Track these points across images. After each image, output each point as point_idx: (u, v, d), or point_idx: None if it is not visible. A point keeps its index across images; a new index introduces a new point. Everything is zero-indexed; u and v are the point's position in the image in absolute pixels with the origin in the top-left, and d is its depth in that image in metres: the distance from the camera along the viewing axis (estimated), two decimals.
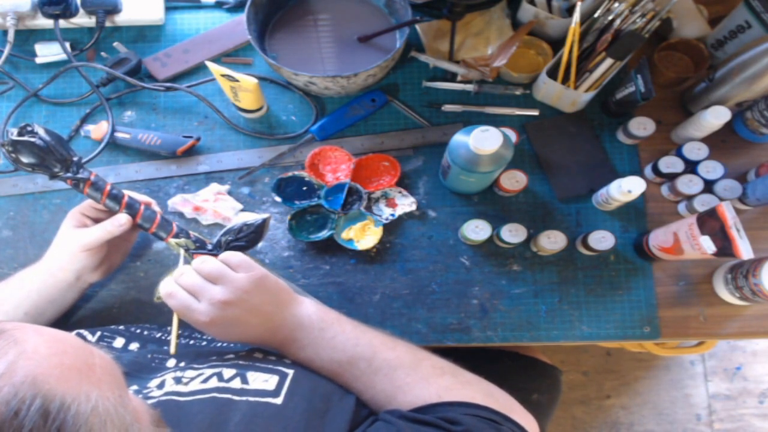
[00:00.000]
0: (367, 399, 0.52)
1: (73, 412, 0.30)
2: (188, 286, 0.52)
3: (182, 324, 0.55)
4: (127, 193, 0.61)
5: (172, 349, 0.54)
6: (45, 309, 0.61)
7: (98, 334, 0.60)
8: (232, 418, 0.43)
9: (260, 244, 0.75)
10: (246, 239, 0.60)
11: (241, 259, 0.54)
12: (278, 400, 0.45)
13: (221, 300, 0.51)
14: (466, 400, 0.49)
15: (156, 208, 0.63)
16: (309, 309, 0.55)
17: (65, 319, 0.69)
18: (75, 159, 0.57)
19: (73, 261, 0.60)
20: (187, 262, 0.60)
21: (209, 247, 0.61)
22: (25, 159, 0.54)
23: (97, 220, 0.62)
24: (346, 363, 0.52)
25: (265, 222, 0.60)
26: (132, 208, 0.60)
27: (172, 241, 0.60)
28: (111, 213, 0.61)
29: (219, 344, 0.62)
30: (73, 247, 0.59)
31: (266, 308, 0.53)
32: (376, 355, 0.52)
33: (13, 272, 0.74)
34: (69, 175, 0.57)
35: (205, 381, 0.47)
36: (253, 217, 0.60)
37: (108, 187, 0.59)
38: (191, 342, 0.62)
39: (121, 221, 0.59)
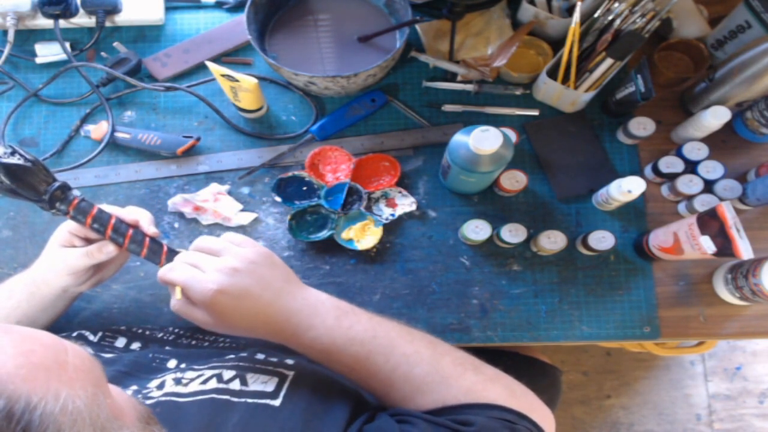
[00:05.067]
0: (381, 396, 0.50)
1: (40, 412, 0.29)
2: (190, 259, 0.48)
3: (186, 323, 0.51)
4: (116, 214, 0.56)
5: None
6: (37, 317, 0.59)
7: (100, 334, 0.60)
8: (229, 419, 0.43)
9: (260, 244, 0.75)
10: None
11: (243, 238, 0.51)
12: (276, 402, 0.45)
13: (229, 266, 0.46)
14: (486, 402, 0.47)
15: (147, 227, 0.56)
16: (321, 296, 0.51)
17: (66, 320, 0.69)
18: (58, 183, 0.52)
19: (58, 279, 0.57)
20: None
21: None
22: (11, 183, 0.49)
23: (86, 239, 0.57)
24: (363, 357, 0.48)
25: None
26: (119, 232, 0.55)
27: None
28: (99, 234, 0.56)
29: (220, 343, 0.62)
30: (57, 266, 0.56)
31: (276, 284, 0.49)
32: (395, 350, 0.49)
33: (13, 272, 0.74)
34: (48, 202, 0.51)
35: (204, 382, 0.47)
36: None
37: (94, 211, 0.54)
38: (193, 342, 0.62)
39: (107, 249, 0.55)
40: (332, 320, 0.49)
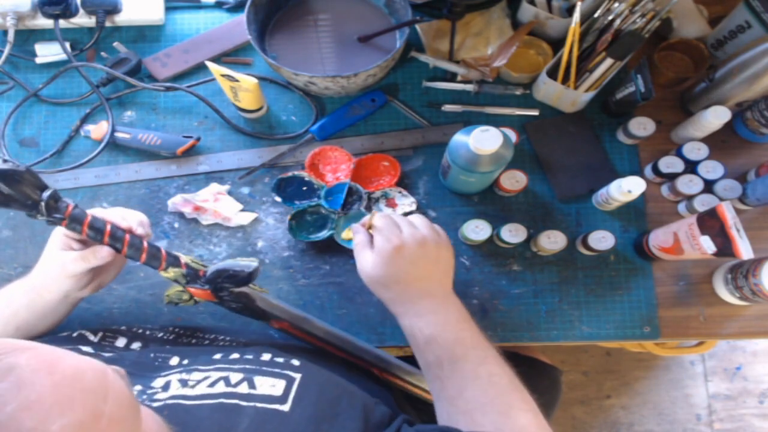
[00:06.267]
0: (443, 399, 0.53)
1: None
2: (395, 220, 0.60)
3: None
4: (111, 221, 0.56)
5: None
6: (36, 324, 0.59)
7: (100, 334, 0.60)
8: (239, 423, 0.43)
9: (260, 244, 0.75)
10: (235, 282, 0.59)
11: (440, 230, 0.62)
12: (286, 407, 0.45)
13: (420, 235, 0.58)
14: None
15: (143, 229, 0.58)
16: (459, 301, 0.59)
17: (66, 321, 0.69)
18: (50, 191, 0.52)
19: (57, 284, 0.56)
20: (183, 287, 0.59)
21: (201, 281, 0.59)
22: (9, 189, 0.49)
23: (82, 241, 0.57)
24: (457, 358, 0.53)
25: (255, 270, 0.59)
26: (116, 238, 0.55)
27: (163, 273, 0.58)
28: (97, 241, 0.56)
29: (221, 342, 0.62)
30: (55, 270, 0.56)
31: (439, 272, 0.59)
32: (484, 365, 0.53)
33: (13, 272, 0.74)
34: (45, 210, 0.51)
35: (211, 385, 0.47)
36: (245, 262, 0.59)
37: (88, 219, 0.54)
38: (193, 341, 0.62)
39: (102, 254, 0.55)
40: (454, 319, 0.57)
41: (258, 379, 0.48)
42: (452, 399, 0.52)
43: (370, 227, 0.61)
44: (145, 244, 0.56)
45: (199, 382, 0.48)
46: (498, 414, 0.50)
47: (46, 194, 0.51)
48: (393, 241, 0.57)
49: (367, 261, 0.58)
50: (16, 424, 0.29)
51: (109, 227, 0.55)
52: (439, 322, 0.56)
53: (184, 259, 0.58)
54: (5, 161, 0.49)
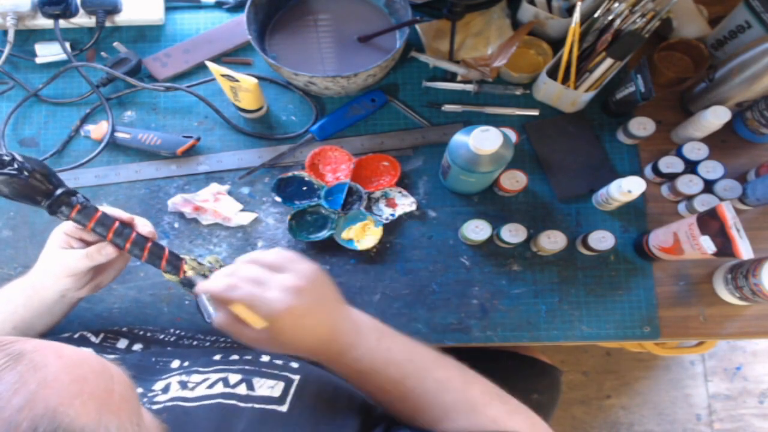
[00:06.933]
0: (408, 418, 0.49)
1: None
2: (252, 276, 0.45)
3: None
4: (118, 218, 0.56)
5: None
6: (33, 323, 0.59)
7: (101, 335, 0.60)
8: (237, 424, 0.43)
9: (260, 244, 0.76)
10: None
11: (294, 254, 0.48)
12: (284, 408, 0.45)
13: (294, 285, 0.45)
14: (509, 431, 0.47)
15: (144, 229, 0.57)
16: (362, 315, 0.51)
17: (66, 321, 0.69)
18: (61, 189, 0.52)
19: (56, 282, 0.56)
20: (186, 285, 0.59)
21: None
22: (9, 194, 0.50)
23: (82, 240, 0.57)
24: (398, 380, 0.48)
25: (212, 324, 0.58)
26: (121, 235, 0.55)
27: (163, 273, 0.58)
28: (101, 237, 0.56)
29: (222, 344, 0.62)
30: (56, 269, 0.55)
31: (330, 303, 0.49)
32: (428, 374, 0.49)
33: (13, 272, 0.74)
34: (47, 208, 0.52)
35: (210, 386, 0.47)
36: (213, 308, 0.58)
37: (98, 215, 0.54)
38: (194, 343, 0.62)
39: (107, 251, 0.55)
40: (374, 341, 0.49)
41: (257, 380, 0.48)
42: (413, 418, 0.49)
43: (228, 303, 0.46)
44: (149, 243, 0.56)
45: (198, 383, 0.48)
46: (464, 415, 0.48)
47: (55, 194, 0.52)
48: (274, 306, 0.44)
49: (258, 340, 0.46)
50: (42, 402, 0.30)
51: (115, 225, 0.55)
52: (360, 354, 0.48)
53: (186, 266, 0.58)
54: (12, 161, 0.49)
